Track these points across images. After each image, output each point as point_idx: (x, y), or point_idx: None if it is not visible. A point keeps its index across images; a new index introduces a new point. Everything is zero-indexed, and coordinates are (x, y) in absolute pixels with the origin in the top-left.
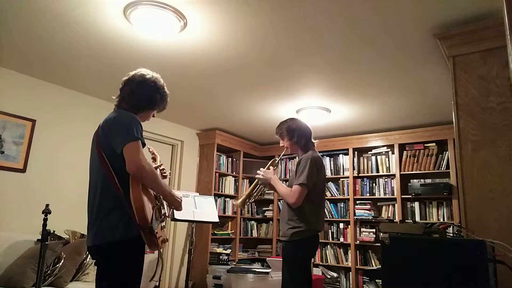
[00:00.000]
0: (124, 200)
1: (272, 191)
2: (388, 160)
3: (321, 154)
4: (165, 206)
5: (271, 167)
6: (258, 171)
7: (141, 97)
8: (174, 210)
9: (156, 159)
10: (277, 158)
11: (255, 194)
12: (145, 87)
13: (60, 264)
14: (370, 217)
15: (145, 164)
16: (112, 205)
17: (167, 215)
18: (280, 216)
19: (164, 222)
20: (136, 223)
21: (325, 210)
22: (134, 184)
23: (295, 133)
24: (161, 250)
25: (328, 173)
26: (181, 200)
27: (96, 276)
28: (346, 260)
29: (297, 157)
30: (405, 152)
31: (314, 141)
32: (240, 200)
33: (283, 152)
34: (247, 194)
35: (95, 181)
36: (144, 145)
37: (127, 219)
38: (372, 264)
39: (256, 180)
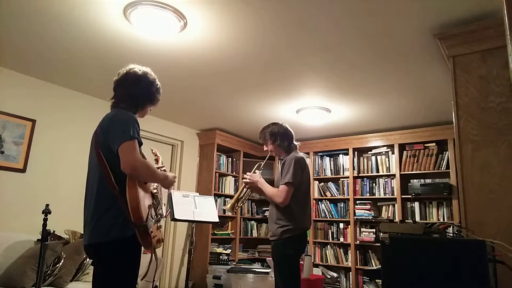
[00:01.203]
0: (120, 198)
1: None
2: (388, 160)
3: (321, 154)
4: (163, 206)
5: (257, 171)
6: (244, 176)
7: (139, 95)
8: (174, 210)
9: (159, 161)
10: (262, 162)
11: (243, 198)
12: (140, 85)
13: (60, 264)
14: (370, 217)
15: (139, 164)
16: (108, 205)
17: (164, 215)
18: (269, 217)
19: (160, 222)
20: (131, 222)
21: (324, 209)
22: (130, 183)
23: (277, 137)
24: (156, 250)
25: (328, 173)
26: (175, 179)
27: (92, 275)
28: (346, 260)
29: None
30: (405, 152)
31: (296, 143)
32: (229, 205)
33: (267, 156)
34: (235, 198)
35: (92, 180)
36: (141, 144)
37: (123, 218)
38: (372, 264)
39: (243, 184)
